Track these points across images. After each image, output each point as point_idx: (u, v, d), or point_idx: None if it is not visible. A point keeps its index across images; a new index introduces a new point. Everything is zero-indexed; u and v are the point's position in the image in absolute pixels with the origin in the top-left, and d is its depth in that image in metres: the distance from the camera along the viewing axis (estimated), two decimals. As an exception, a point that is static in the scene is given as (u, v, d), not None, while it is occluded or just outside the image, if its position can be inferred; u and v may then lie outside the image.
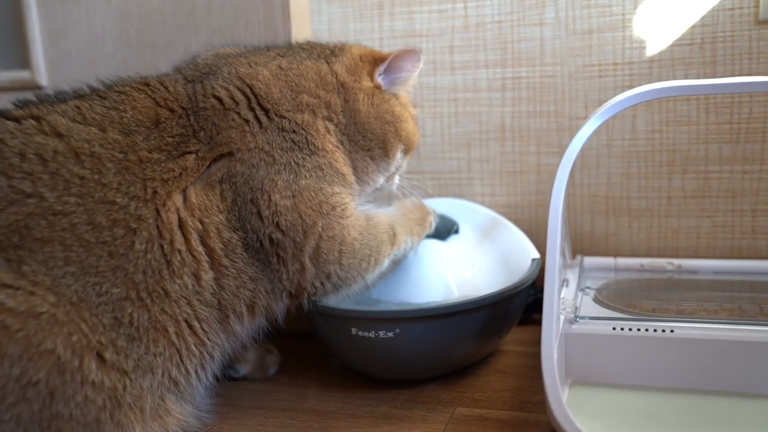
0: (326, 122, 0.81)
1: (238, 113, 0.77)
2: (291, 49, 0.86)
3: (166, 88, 0.78)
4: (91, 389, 0.66)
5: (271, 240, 0.76)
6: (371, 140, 0.84)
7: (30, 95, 0.77)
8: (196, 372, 0.75)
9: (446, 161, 1.18)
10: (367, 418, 0.78)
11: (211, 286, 0.74)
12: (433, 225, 0.93)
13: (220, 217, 0.75)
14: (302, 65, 0.82)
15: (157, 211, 0.71)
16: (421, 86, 1.17)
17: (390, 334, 0.80)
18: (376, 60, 0.87)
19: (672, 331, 0.73)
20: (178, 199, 0.73)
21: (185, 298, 0.72)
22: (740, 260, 1.02)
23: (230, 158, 0.76)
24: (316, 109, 0.80)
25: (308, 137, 0.79)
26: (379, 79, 0.87)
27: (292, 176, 0.77)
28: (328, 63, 0.84)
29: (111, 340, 0.68)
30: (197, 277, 0.73)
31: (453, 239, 0.99)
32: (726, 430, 0.67)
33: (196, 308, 0.73)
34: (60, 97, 0.76)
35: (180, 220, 0.73)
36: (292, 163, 0.77)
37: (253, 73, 0.80)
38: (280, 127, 0.78)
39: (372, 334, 0.81)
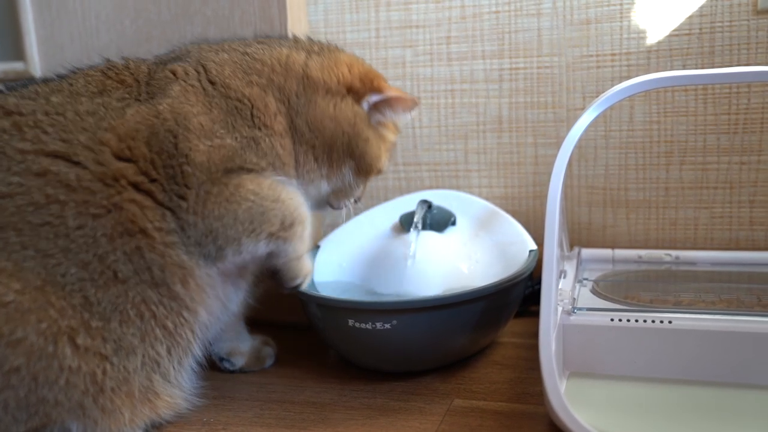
0: (278, 103, 0.79)
1: (186, 81, 0.77)
2: (278, 40, 0.86)
3: (127, 67, 0.79)
4: (70, 374, 0.66)
5: (182, 171, 0.72)
6: (317, 138, 0.81)
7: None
8: (169, 354, 0.74)
9: (443, 152, 1.18)
10: (363, 410, 0.78)
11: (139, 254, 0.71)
12: (305, 283, 0.85)
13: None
14: (270, 51, 0.82)
15: (78, 165, 0.69)
16: (417, 77, 1.16)
17: (387, 326, 0.80)
18: (373, 87, 0.84)
19: (670, 322, 0.73)
20: (111, 138, 0.71)
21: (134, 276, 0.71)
22: (738, 251, 1.02)
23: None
24: (265, 89, 0.79)
25: (254, 111, 0.77)
26: (365, 106, 0.84)
27: (222, 131, 0.75)
28: (307, 55, 0.83)
29: (83, 322, 0.68)
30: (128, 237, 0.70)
31: (450, 231, 0.99)
32: (724, 420, 0.66)
33: (144, 290, 0.71)
34: (27, 83, 0.76)
35: (95, 176, 0.70)
36: (228, 122, 0.75)
37: (213, 56, 0.80)
38: (225, 95, 0.77)
39: (369, 326, 0.80)
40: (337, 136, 0.82)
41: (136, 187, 0.71)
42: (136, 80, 0.77)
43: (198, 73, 0.78)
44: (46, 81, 0.77)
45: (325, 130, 0.81)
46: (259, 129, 0.77)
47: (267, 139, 0.78)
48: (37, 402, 0.65)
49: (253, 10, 1.05)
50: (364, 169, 0.86)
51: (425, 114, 1.17)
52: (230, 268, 0.78)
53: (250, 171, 0.76)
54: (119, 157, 0.71)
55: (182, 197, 0.72)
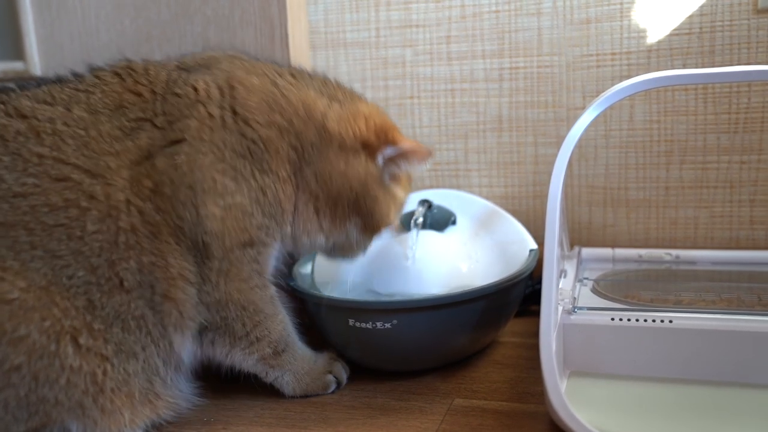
0: (290, 149, 0.78)
1: (206, 107, 0.75)
2: (309, 77, 0.83)
3: (147, 72, 0.77)
4: (71, 373, 0.66)
5: (203, 240, 0.74)
6: (323, 190, 0.80)
7: (10, 83, 0.77)
8: (165, 365, 0.75)
9: (443, 152, 1.18)
10: (364, 410, 0.78)
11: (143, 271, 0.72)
12: (331, 387, 0.83)
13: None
14: (298, 91, 0.79)
15: (108, 184, 0.70)
16: (418, 77, 1.16)
17: (387, 325, 0.80)
18: (388, 140, 0.81)
19: (670, 321, 0.73)
20: (126, 174, 0.72)
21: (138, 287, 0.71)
22: (738, 251, 1.02)
23: (182, 143, 0.74)
24: (284, 131, 0.77)
25: (265, 155, 0.76)
26: (380, 159, 0.82)
27: (233, 185, 0.74)
28: (329, 102, 0.80)
29: (86, 324, 0.68)
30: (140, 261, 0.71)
31: (450, 230, 0.99)
32: (724, 420, 0.66)
33: (142, 306, 0.72)
34: (39, 83, 0.76)
35: (127, 200, 0.71)
36: (238, 169, 0.74)
37: (243, 77, 0.77)
38: (242, 132, 0.75)
39: (369, 325, 0.80)
40: (345, 191, 0.80)
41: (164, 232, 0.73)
42: (152, 92, 0.75)
43: (222, 96, 0.76)
44: (60, 81, 0.76)
45: (333, 185, 0.80)
46: (267, 175, 0.76)
47: (273, 186, 0.77)
48: (38, 401, 0.65)
49: (253, 9, 1.05)
50: (371, 226, 0.84)
51: (425, 114, 1.17)
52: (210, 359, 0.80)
53: (260, 245, 0.76)
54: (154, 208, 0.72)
55: (205, 259, 0.74)
